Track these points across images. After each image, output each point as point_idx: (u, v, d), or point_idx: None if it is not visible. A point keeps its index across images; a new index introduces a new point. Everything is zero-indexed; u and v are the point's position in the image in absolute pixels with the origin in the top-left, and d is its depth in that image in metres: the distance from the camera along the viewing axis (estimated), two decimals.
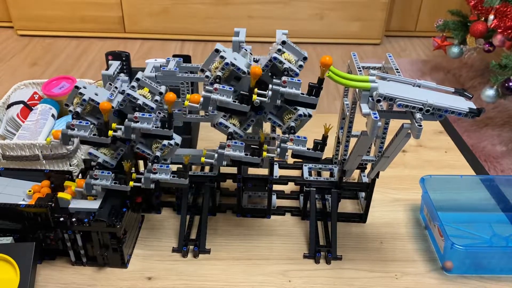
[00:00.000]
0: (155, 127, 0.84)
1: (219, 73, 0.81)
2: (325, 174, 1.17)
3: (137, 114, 0.83)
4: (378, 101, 0.76)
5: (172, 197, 1.12)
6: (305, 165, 1.10)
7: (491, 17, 1.56)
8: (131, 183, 0.90)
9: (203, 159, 0.89)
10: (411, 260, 0.99)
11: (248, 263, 0.97)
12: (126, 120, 0.84)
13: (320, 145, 0.85)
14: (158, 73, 0.94)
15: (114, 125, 0.86)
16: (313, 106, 0.81)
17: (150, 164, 0.89)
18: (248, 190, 1.11)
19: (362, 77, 0.78)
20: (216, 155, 0.88)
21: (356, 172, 1.14)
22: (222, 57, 0.80)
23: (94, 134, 0.86)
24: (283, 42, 0.80)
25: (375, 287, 0.93)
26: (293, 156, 0.86)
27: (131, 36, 2.13)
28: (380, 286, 0.93)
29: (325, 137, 0.85)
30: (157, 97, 0.85)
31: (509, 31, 1.51)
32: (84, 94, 0.83)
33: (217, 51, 0.81)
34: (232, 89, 0.81)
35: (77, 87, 0.83)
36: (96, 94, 0.85)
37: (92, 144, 0.88)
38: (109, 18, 2.10)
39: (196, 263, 0.97)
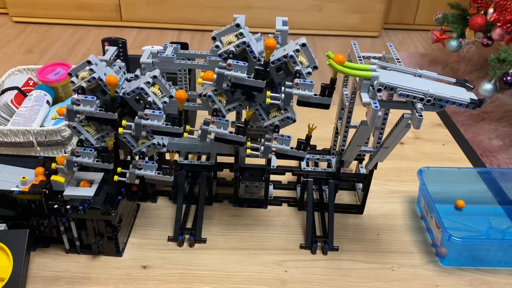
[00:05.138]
0: (99, 110, 0.83)
1: (216, 106, 0.83)
2: (323, 165, 1.16)
3: (79, 97, 0.81)
4: (379, 90, 0.75)
5: (168, 186, 1.10)
6: None
7: (491, 10, 1.55)
8: (116, 178, 0.89)
9: (248, 151, 0.88)
10: (407, 251, 0.99)
11: (245, 253, 0.97)
12: (68, 104, 0.83)
13: (328, 89, 0.81)
14: (155, 59, 0.92)
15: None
16: (260, 89, 0.81)
17: (135, 160, 0.89)
18: (245, 180, 1.10)
19: (363, 65, 0.77)
20: (262, 147, 0.86)
21: (354, 164, 1.14)
22: (204, 95, 0.82)
23: (98, 160, 0.88)
24: (213, 38, 0.81)
25: (371, 278, 0.93)
26: (298, 103, 0.82)
27: (128, 24, 2.11)
28: (376, 277, 0.93)
29: (333, 80, 0.80)
30: (92, 67, 0.81)
31: (509, 25, 1.50)
32: (94, 72, 0.81)
33: (200, 95, 0.83)
34: (229, 121, 0.84)
35: (89, 62, 0.82)
36: (105, 74, 0.83)
37: (98, 121, 0.85)
38: (105, 6, 2.07)
39: (192, 252, 0.97)
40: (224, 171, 1.06)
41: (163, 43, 0.97)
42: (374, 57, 0.92)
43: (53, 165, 0.89)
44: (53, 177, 0.89)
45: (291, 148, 0.86)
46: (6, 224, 0.90)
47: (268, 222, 1.05)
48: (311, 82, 0.80)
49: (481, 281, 0.93)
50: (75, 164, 0.88)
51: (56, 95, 1.20)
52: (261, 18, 2.04)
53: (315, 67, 0.82)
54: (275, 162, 1.10)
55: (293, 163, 1.15)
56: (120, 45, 1.10)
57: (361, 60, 0.87)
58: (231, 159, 1.01)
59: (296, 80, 0.80)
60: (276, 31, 0.89)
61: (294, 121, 0.85)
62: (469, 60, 1.93)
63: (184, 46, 1.05)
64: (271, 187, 1.10)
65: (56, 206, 0.88)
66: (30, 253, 0.91)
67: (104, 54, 0.90)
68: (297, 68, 0.80)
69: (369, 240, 1.01)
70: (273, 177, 1.09)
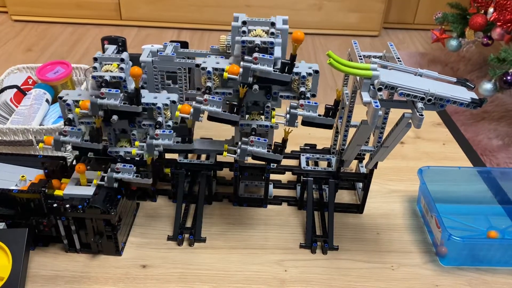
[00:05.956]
0: (123, 103, 0.82)
1: (209, 84, 0.81)
2: (323, 164, 1.16)
3: (103, 90, 0.81)
4: (380, 89, 0.75)
5: (168, 185, 1.10)
6: (303, 155, 1.09)
7: (491, 10, 1.55)
8: (134, 151, 0.89)
9: (225, 153, 0.88)
10: (407, 251, 0.99)
11: (244, 252, 0.97)
12: (93, 96, 0.82)
13: (332, 110, 0.82)
14: (155, 58, 0.92)
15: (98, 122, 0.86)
16: (285, 83, 0.80)
17: (115, 163, 0.90)
18: (245, 179, 1.10)
19: (363, 65, 0.77)
20: (239, 150, 0.86)
21: (354, 163, 1.14)
22: (203, 68, 0.81)
23: (86, 140, 0.87)
24: (244, 22, 0.79)
25: (371, 278, 0.92)
26: (303, 123, 0.84)
27: (127, 23, 2.11)
28: (376, 277, 0.93)
29: (337, 102, 0.82)
30: (122, 65, 0.82)
31: (509, 24, 1.50)
32: (67, 100, 0.84)
33: (197, 65, 0.81)
34: (222, 99, 0.82)
35: (60, 97, 0.85)
36: (79, 95, 0.85)
37: (85, 150, 0.89)
38: (105, 5, 2.07)
39: (191, 252, 0.96)
40: (224, 170, 1.06)
41: (163, 42, 0.97)
42: (375, 56, 0.92)
43: (40, 145, 0.87)
44: (56, 192, 0.89)
45: (268, 151, 0.86)
46: (5, 223, 0.90)
47: (268, 222, 1.05)
48: (315, 103, 0.82)
49: (480, 281, 0.93)
50: (63, 144, 0.87)
51: (55, 94, 1.20)
52: (260, 17, 2.03)
53: (313, 95, 0.83)
54: None
55: (293, 162, 1.15)
56: (119, 43, 1.10)
57: (361, 59, 0.87)
58: (230, 158, 1.00)
59: (301, 101, 0.82)
60: (276, 30, 0.89)
61: (317, 72, 0.84)
62: (469, 59, 1.93)
63: (184, 44, 1.05)
64: (271, 186, 1.10)
65: (55, 205, 0.88)
66: (29, 252, 0.90)
67: (103, 53, 0.89)
68: (302, 89, 0.82)
69: (369, 240, 1.01)
70: (272, 176, 1.09)
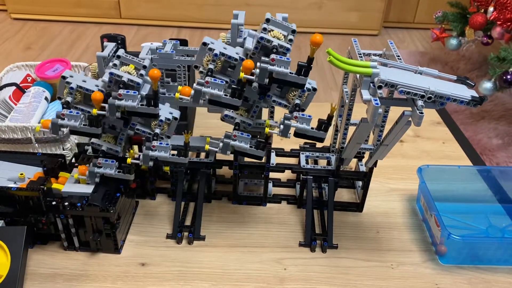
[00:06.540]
0: (141, 105, 0.82)
1: (211, 66, 0.80)
2: (322, 163, 1.16)
3: (121, 91, 0.80)
4: (380, 87, 0.74)
5: (167, 183, 1.10)
6: (302, 153, 1.08)
7: (491, 9, 1.55)
8: (129, 160, 0.88)
9: (207, 146, 0.87)
10: (407, 250, 0.99)
11: (244, 251, 0.96)
12: (110, 98, 0.82)
13: (324, 124, 0.83)
14: (155, 55, 0.92)
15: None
16: (301, 86, 0.80)
17: (149, 141, 0.88)
18: (244, 178, 1.10)
19: (363, 62, 0.77)
20: (221, 144, 0.86)
21: (353, 161, 1.13)
22: (210, 49, 0.80)
23: (84, 124, 0.85)
24: (267, 20, 0.78)
25: (370, 276, 0.92)
26: (296, 135, 0.84)
27: (127, 22, 2.11)
28: (375, 275, 0.93)
29: (330, 117, 0.83)
30: (142, 71, 0.82)
31: (509, 23, 1.50)
32: (71, 83, 0.82)
33: (204, 44, 0.80)
34: (224, 82, 0.80)
35: (63, 77, 0.82)
36: (84, 81, 0.84)
37: (83, 135, 0.87)
38: (105, 3, 2.07)
39: (190, 250, 0.96)
40: (223, 169, 1.06)
41: (162, 40, 0.96)
42: (375, 54, 0.92)
43: (37, 128, 0.85)
44: (54, 185, 0.89)
45: (250, 146, 0.86)
46: (4, 220, 0.90)
47: (267, 220, 1.04)
48: (309, 116, 0.82)
49: (480, 280, 0.93)
50: (61, 128, 0.85)
51: (54, 92, 1.20)
52: (260, 15, 2.03)
53: (303, 109, 0.84)
54: (274, 159, 1.09)
55: (292, 160, 1.15)
56: (119, 41, 1.10)
57: (361, 57, 0.86)
58: (230, 157, 1.00)
59: (295, 114, 0.82)
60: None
61: (315, 90, 0.84)
62: (469, 58, 1.93)
63: (184, 42, 1.05)
64: (270, 184, 1.10)
65: (54, 203, 0.87)
66: (27, 250, 0.90)
67: (103, 51, 0.89)
68: (297, 101, 0.82)
69: (369, 238, 1.01)
70: (272, 175, 1.09)
